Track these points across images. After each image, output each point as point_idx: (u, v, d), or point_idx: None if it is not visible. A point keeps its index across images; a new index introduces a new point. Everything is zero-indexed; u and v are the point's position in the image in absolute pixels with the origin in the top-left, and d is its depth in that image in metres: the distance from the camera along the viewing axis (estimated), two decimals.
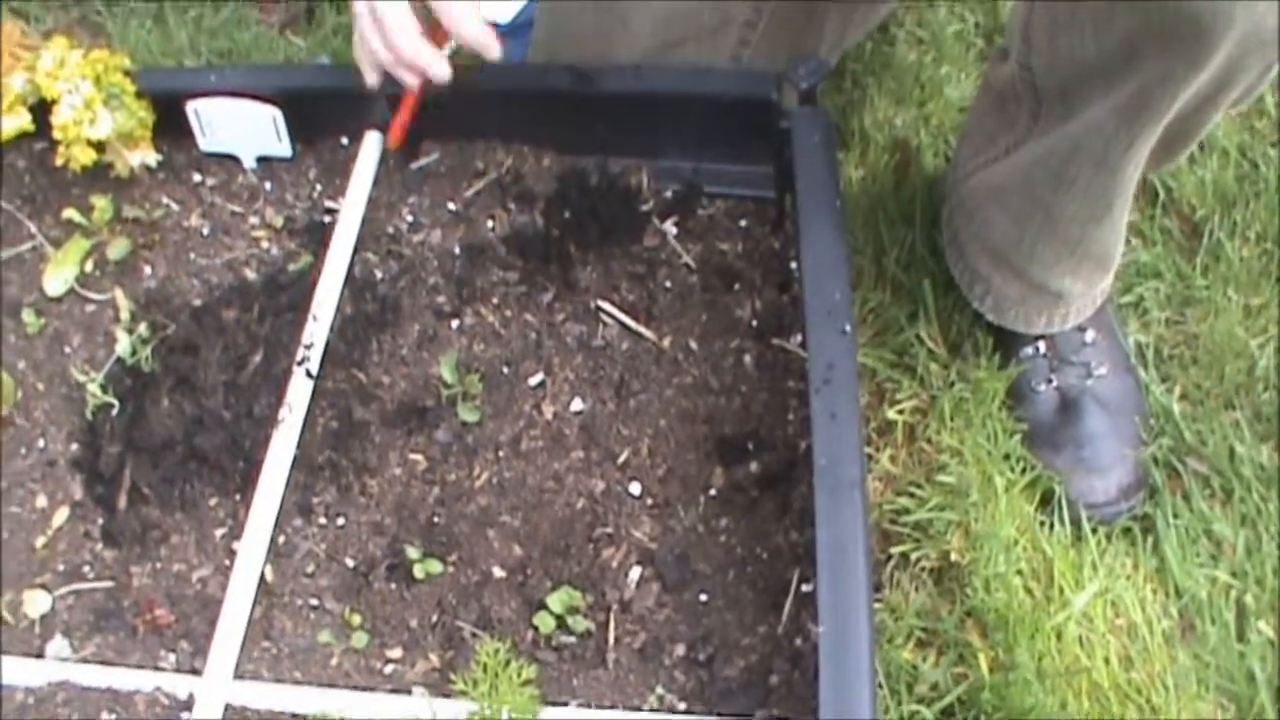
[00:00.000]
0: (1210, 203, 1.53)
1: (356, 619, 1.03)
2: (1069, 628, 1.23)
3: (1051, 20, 1.11)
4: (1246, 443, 1.34)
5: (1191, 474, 1.33)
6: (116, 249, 1.23)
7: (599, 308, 1.18)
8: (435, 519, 1.07)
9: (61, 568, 1.07)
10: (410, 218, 1.24)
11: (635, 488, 1.08)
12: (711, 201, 1.23)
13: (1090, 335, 1.37)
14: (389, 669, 1.01)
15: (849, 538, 0.90)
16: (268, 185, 1.28)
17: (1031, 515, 1.31)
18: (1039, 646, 1.21)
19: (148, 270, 1.23)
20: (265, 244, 1.24)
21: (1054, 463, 1.34)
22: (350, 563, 1.06)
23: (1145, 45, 1.01)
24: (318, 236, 1.22)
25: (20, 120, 1.19)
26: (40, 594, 1.06)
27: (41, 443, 1.14)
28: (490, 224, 1.23)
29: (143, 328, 1.18)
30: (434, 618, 1.03)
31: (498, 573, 1.04)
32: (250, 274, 1.22)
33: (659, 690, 0.98)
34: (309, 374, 1.12)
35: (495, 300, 1.19)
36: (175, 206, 1.27)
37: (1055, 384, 1.36)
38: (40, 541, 1.09)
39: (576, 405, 1.13)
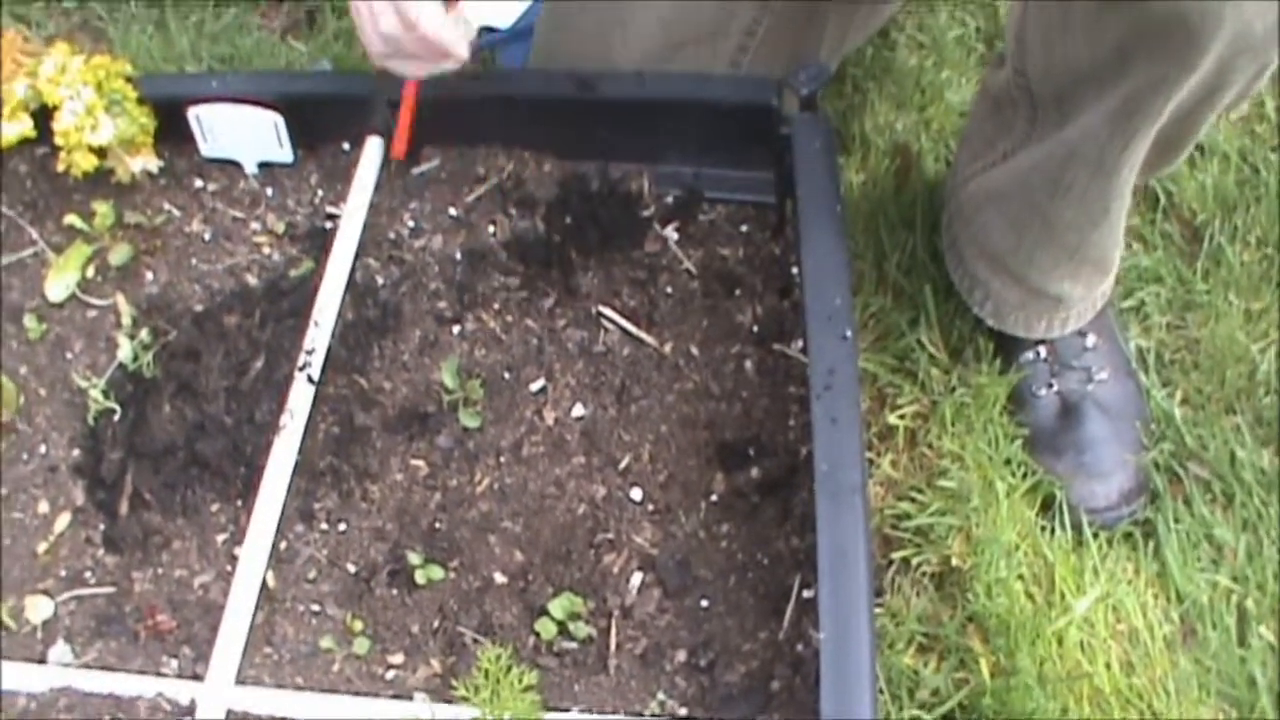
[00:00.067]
0: (1211, 207, 1.53)
1: (358, 625, 1.03)
2: (1070, 633, 1.22)
3: (1045, 25, 1.12)
4: (1247, 447, 1.34)
5: (1192, 479, 1.33)
6: (118, 254, 1.23)
7: (600, 313, 1.18)
8: (437, 525, 1.07)
9: (63, 573, 1.07)
10: (411, 223, 1.24)
11: (636, 493, 1.08)
12: (712, 207, 1.24)
13: (1091, 340, 1.37)
14: (390, 675, 1.01)
15: (850, 543, 0.90)
16: (269, 191, 1.28)
17: (1032, 520, 1.31)
18: (1040, 652, 1.21)
19: (149, 276, 1.23)
20: (267, 249, 1.24)
21: (1055, 468, 1.33)
22: (352, 568, 1.06)
23: (1136, 48, 1.01)
24: (319, 242, 1.22)
25: (22, 126, 1.20)
26: (42, 599, 1.06)
27: (43, 448, 1.14)
28: (491, 229, 1.23)
29: (144, 333, 1.18)
30: (435, 623, 1.03)
31: (499, 578, 1.04)
32: (252, 279, 1.22)
33: (660, 696, 0.98)
34: (310, 380, 1.12)
35: (496, 306, 1.19)
36: (177, 212, 1.27)
37: (1056, 389, 1.36)
38: (42, 547, 1.09)
39: (578, 411, 1.13)
